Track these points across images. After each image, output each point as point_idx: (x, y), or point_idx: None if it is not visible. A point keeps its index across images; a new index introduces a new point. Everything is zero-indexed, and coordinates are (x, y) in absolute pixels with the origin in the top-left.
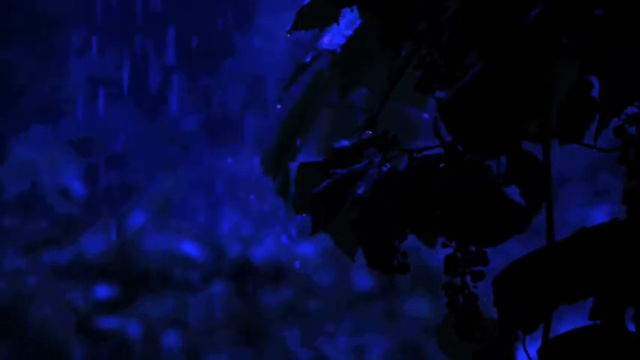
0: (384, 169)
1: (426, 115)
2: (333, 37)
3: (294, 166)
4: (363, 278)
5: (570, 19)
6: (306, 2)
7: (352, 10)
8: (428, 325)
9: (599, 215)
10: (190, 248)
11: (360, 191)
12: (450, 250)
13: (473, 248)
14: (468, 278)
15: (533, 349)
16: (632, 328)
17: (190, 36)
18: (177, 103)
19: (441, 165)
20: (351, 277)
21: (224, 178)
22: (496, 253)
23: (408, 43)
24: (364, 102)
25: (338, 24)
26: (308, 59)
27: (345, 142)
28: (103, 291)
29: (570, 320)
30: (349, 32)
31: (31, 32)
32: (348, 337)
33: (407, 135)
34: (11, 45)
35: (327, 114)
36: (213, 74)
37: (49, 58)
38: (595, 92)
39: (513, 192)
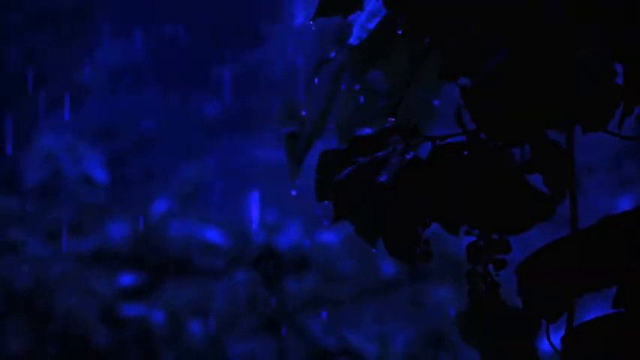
0: (407, 156)
1: (436, 102)
2: (359, 32)
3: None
4: (387, 266)
5: (594, 7)
6: None
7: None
8: (452, 313)
9: (625, 203)
10: (214, 236)
11: (382, 179)
12: (472, 238)
13: (496, 236)
14: (491, 266)
15: (556, 338)
16: None
17: (218, 24)
18: (204, 91)
19: (465, 153)
20: (375, 264)
21: (249, 165)
22: (520, 242)
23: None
24: (385, 87)
25: (362, 10)
26: (332, 55)
27: (368, 130)
28: (127, 278)
29: (597, 309)
30: (372, 25)
31: (57, 20)
32: (372, 325)
33: (427, 120)
34: (37, 33)
35: (347, 98)
36: (240, 62)
37: (74, 45)
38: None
39: (537, 180)
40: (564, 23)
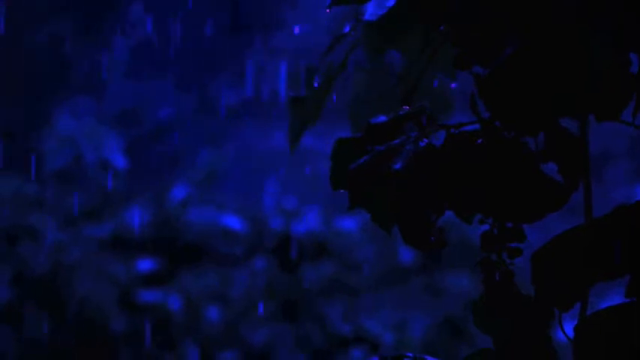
0: (421, 144)
1: (453, 85)
2: (375, 8)
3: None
4: (405, 253)
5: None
6: None
7: None
8: (470, 300)
9: None
10: (233, 222)
11: (397, 166)
12: (487, 226)
13: (509, 224)
14: (505, 255)
15: (569, 327)
16: None
17: (235, 12)
18: (223, 78)
19: (479, 141)
20: (393, 251)
21: (268, 152)
22: (535, 230)
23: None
24: (398, 66)
25: None
26: (347, 29)
27: (382, 118)
28: (145, 264)
29: (612, 298)
30: (391, 2)
31: (78, 6)
32: (389, 312)
33: (442, 107)
34: (59, 18)
35: (360, 78)
36: (257, 49)
37: (95, 31)
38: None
39: (551, 169)
40: (579, 12)
